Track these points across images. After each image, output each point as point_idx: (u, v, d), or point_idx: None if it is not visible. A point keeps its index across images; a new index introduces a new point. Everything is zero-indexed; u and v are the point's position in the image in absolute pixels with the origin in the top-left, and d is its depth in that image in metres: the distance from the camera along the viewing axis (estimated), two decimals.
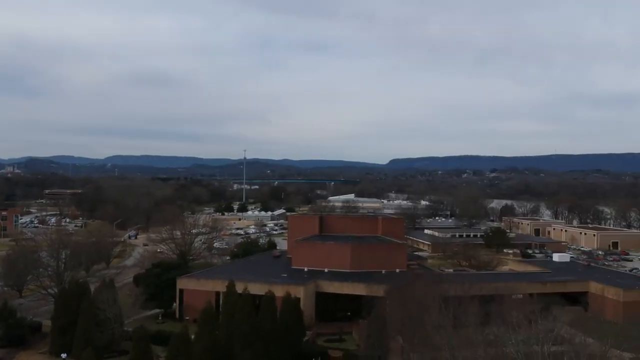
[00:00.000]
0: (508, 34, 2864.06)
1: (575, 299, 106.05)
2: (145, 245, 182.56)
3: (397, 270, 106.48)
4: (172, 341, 65.09)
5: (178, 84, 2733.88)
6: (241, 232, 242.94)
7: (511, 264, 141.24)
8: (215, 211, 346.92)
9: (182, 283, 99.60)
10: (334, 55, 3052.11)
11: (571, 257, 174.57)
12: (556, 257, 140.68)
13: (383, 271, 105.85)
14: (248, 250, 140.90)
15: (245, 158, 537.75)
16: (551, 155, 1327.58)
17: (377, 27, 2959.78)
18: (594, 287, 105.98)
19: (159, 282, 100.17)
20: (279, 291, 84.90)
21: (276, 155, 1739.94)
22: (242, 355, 69.56)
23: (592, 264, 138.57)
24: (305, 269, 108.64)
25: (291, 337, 78.08)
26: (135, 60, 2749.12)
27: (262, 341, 71.28)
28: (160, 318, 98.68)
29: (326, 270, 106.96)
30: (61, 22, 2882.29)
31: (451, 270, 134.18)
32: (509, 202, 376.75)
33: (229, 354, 70.53)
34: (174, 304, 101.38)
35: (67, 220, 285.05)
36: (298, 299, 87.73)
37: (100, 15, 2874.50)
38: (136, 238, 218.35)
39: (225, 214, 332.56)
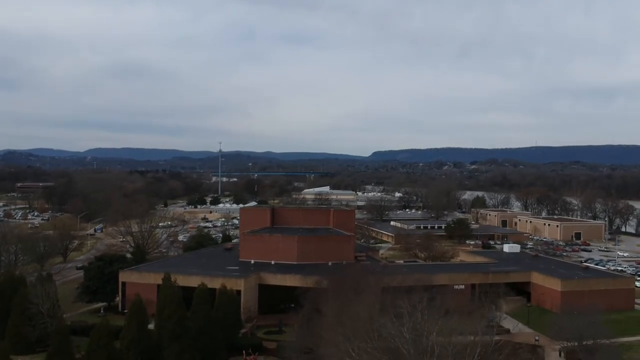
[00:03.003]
0: (490, 26, 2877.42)
1: (522, 289, 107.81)
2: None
3: (344, 262, 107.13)
4: (91, 334, 64.70)
5: (160, 77, 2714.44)
6: (210, 225, 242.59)
7: (462, 254, 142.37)
8: (188, 204, 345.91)
9: (125, 276, 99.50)
10: (316, 48, 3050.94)
11: (529, 246, 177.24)
12: (506, 247, 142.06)
13: (329, 263, 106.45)
14: (201, 243, 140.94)
15: (220, 150, 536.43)
16: (532, 148, 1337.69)
17: (359, 20, 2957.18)
18: (535, 277, 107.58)
19: (101, 275, 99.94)
20: (219, 284, 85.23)
21: (259, 148, 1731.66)
22: (171, 348, 69.60)
23: (540, 255, 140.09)
24: (252, 261, 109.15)
25: (226, 329, 78.39)
26: (116, 52, 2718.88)
27: (192, 334, 71.47)
28: (102, 311, 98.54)
29: (273, 262, 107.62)
30: (40, 13, 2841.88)
31: (401, 261, 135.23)
32: (480, 193, 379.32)
33: (159, 348, 70.64)
34: (117, 297, 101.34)
35: (35, 213, 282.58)
36: (237, 292, 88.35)
37: (80, 6, 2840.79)
38: (102, 232, 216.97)
39: (198, 206, 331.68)
